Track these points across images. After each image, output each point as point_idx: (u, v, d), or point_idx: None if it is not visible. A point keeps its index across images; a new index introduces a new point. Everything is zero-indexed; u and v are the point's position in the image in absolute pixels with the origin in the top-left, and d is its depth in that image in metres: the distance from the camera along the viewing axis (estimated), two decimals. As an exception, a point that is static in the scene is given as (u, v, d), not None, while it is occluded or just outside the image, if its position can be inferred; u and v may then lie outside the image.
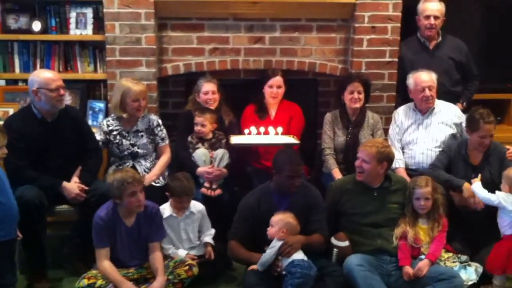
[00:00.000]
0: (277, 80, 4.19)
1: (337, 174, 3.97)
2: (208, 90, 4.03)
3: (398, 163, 4.02)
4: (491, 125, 3.70)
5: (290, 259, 3.24)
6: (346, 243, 3.45)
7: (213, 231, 3.63)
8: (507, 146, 3.87)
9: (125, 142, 3.87)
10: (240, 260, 3.50)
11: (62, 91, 3.55)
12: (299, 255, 3.26)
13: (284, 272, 3.24)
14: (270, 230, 3.28)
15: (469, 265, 3.47)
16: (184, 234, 3.55)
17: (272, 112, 4.24)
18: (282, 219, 3.28)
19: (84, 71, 4.45)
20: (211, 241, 3.59)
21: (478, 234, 3.65)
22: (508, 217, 3.44)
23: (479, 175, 3.62)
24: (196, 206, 3.60)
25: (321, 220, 3.48)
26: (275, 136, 3.86)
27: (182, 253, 3.50)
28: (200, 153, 3.92)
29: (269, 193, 3.49)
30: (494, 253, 3.45)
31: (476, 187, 3.54)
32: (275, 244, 3.25)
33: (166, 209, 3.55)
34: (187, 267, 3.34)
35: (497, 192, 3.48)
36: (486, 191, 3.51)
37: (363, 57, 4.37)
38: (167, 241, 3.52)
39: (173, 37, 4.31)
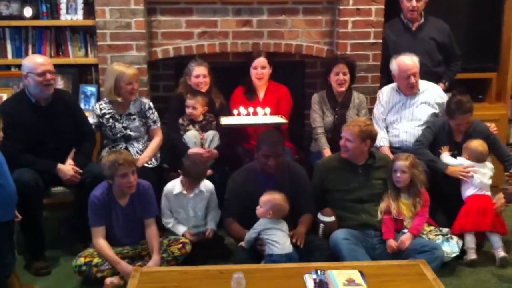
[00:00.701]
0: (261, 61, 4.25)
1: (327, 153, 4.07)
2: (199, 73, 4.09)
3: (383, 142, 4.13)
4: (466, 115, 3.85)
5: (269, 251, 3.25)
6: (332, 218, 3.56)
7: (219, 213, 3.71)
8: (488, 124, 4.02)
9: (118, 125, 3.95)
10: (234, 237, 3.59)
11: (49, 76, 3.59)
12: (283, 247, 3.26)
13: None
14: (258, 210, 3.34)
15: (451, 237, 3.61)
16: (192, 212, 3.66)
17: (261, 94, 4.32)
18: (270, 199, 3.32)
19: (75, 55, 4.49)
20: (215, 228, 3.67)
21: (456, 208, 3.79)
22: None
23: (447, 147, 3.93)
24: (206, 185, 3.70)
25: (309, 200, 3.58)
26: (264, 116, 3.94)
27: (181, 229, 3.60)
28: (191, 135, 4.01)
29: (254, 173, 3.57)
30: (459, 215, 3.72)
31: (444, 157, 3.88)
32: (260, 223, 3.32)
33: (176, 185, 3.65)
34: (180, 245, 3.45)
35: (458, 158, 3.86)
36: (453, 158, 3.87)
37: (348, 38, 4.43)
38: (167, 216, 3.63)
39: (162, 21, 4.35)
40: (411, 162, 3.55)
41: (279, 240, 3.27)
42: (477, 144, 3.83)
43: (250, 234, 3.33)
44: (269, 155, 3.45)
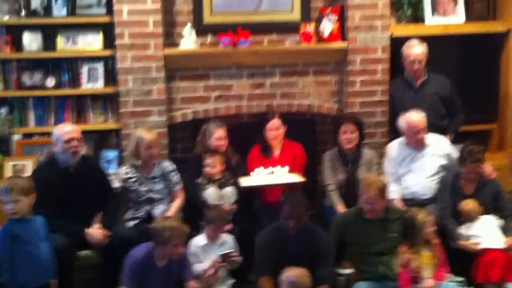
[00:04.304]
0: (275, 122, 4.41)
1: (341, 209, 4.19)
2: (220, 136, 4.25)
3: (395, 195, 4.23)
4: (477, 163, 4.01)
5: None
6: (351, 270, 3.67)
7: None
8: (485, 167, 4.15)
9: (142, 188, 4.07)
10: None
11: (74, 143, 3.79)
12: None
13: None
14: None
15: (467, 286, 3.73)
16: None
17: (276, 152, 4.47)
18: (287, 278, 3.32)
19: (96, 122, 4.64)
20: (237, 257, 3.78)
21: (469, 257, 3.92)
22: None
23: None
24: (227, 236, 3.84)
25: (327, 269, 3.61)
26: (282, 175, 4.11)
27: (205, 265, 3.68)
28: (211, 193, 4.12)
29: (280, 233, 3.66)
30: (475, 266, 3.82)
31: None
32: None
33: (200, 239, 3.78)
34: None
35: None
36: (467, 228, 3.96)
37: (357, 97, 4.64)
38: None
39: (181, 87, 4.54)
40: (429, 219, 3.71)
41: None
42: (463, 205, 3.99)
43: None
44: (290, 217, 3.57)
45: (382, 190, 3.72)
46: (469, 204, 3.98)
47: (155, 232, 3.42)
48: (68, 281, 3.64)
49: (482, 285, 3.79)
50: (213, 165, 4.18)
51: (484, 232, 3.92)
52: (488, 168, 4.17)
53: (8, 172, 4.34)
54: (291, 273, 3.35)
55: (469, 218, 3.97)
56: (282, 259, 3.51)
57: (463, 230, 3.98)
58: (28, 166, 4.38)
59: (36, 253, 3.36)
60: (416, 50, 4.58)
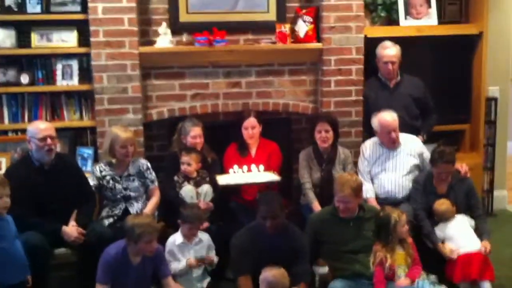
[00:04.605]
0: (251, 121, 4.46)
1: (317, 207, 4.24)
2: (196, 134, 4.28)
3: (369, 193, 4.31)
4: (448, 164, 4.08)
5: None
6: (326, 269, 3.70)
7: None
8: (458, 166, 4.23)
9: (118, 186, 4.07)
10: None
11: (49, 141, 3.76)
12: None
13: None
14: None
15: (439, 284, 3.75)
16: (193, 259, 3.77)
17: (253, 150, 4.52)
18: (266, 277, 3.37)
19: (71, 119, 4.63)
20: (214, 258, 3.84)
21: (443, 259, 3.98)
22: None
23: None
24: (203, 234, 3.87)
25: (305, 267, 3.64)
26: (258, 173, 4.14)
27: (182, 263, 3.72)
28: (187, 190, 4.15)
29: (257, 232, 3.68)
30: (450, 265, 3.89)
31: (438, 229, 4.05)
32: None
33: (177, 237, 3.80)
34: None
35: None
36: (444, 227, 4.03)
37: (332, 96, 4.69)
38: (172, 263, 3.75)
39: (156, 85, 4.55)
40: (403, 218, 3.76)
41: None
42: (437, 205, 4.05)
43: None
44: (266, 216, 3.59)
45: (356, 189, 3.75)
46: (443, 205, 4.04)
47: (126, 230, 3.43)
48: (43, 279, 3.61)
49: (455, 284, 3.86)
50: (189, 163, 4.20)
51: (459, 234, 3.97)
52: (463, 167, 4.24)
53: (-19, 169, 4.31)
54: (270, 273, 3.39)
55: (444, 218, 4.04)
56: (260, 258, 3.53)
57: (438, 231, 4.04)
58: (2, 163, 4.36)
59: (12, 251, 3.34)
60: (389, 51, 4.66)
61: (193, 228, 3.79)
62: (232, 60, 4.59)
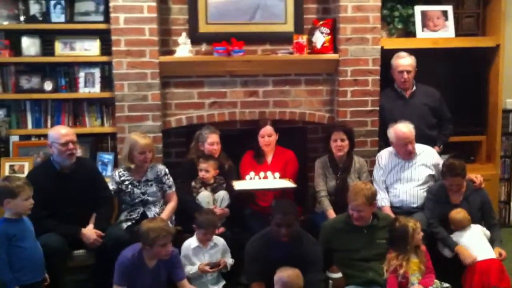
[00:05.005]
0: (267, 129, 4.53)
1: (331, 214, 4.28)
2: (213, 141, 4.36)
3: (384, 202, 4.34)
4: (457, 178, 4.08)
5: None
6: (339, 275, 3.72)
7: (233, 260, 3.92)
8: (473, 176, 4.23)
9: (136, 191, 4.15)
10: None
11: (71, 146, 3.84)
12: None
13: None
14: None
15: None
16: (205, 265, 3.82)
17: (269, 158, 4.58)
18: (280, 277, 3.42)
19: (92, 125, 4.74)
20: (230, 261, 3.89)
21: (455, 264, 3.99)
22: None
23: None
24: (218, 239, 3.93)
25: (318, 276, 3.64)
26: (274, 180, 4.19)
27: (195, 267, 3.77)
28: (204, 196, 4.23)
29: (270, 239, 3.70)
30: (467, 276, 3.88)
31: (454, 235, 4.05)
32: None
33: (192, 241, 3.86)
34: None
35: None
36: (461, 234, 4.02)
37: (348, 106, 4.74)
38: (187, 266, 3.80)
39: (175, 93, 4.64)
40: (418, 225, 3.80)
41: None
42: (454, 214, 4.06)
43: None
44: (281, 224, 3.61)
45: (370, 198, 3.78)
46: (460, 213, 4.05)
47: (141, 234, 3.49)
48: (59, 281, 3.69)
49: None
50: (208, 170, 4.28)
51: (474, 243, 3.97)
52: (478, 178, 4.24)
53: (5, 172, 4.43)
54: (285, 273, 3.44)
55: (460, 226, 4.04)
56: (273, 265, 3.55)
57: (454, 239, 4.04)
58: (25, 167, 4.47)
59: (32, 251, 3.43)
60: (404, 61, 4.72)
61: (207, 234, 3.84)
62: (250, 70, 4.68)
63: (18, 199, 3.39)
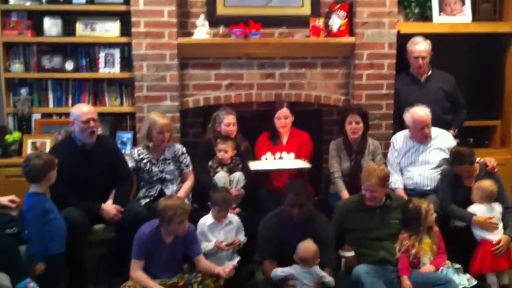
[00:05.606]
0: (283, 111, 4.58)
1: (345, 195, 4.34)
2: (229, 122, 4.42)
3: (397, 184, 4.38)
4: (464, 165, 4.10)
5: None
6: (352, 253, 3.80)
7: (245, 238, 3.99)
8: (487, 159, 4.26)
9: (154, 169, 4.25)
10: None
11: (92, 124, 3.92)
12: None
13: None
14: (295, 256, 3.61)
15: (463, 273, 3.80)
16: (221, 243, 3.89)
17: (284, 139, 4.63)
18: (300, 249, 3.56)
19: (112, 105, 4.85)
20: (242, 238, 3.95)
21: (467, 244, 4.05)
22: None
23: None
24: (233, 217, 4.00)
25: (330, 254, 3.72)
26: (289, 161, 4.26)
27: (212, 244, 3.84)
28: (221, 176, 4.31)
29: (283, 219, 3.77)
30: (473, 256, 3.95)
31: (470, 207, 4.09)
32: (293, 267, 3.59)
33: (208, 219, 3.94)
34: (214, 278, 3.66)
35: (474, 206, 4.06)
36: (477, 207, 4.06)
37: (363, 90, 4.79)
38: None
39: (193, 74, 4.72)
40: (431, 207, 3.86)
41: None
42: (488, 184, 4.06)
43: (279, 272, 3.60)
44: (294, 204, 3.67)
45: (383, 178, 3.83)
46: (493, 186, 4.05)
47: (158, 212, 3.56)
48: (80, 254, 3.81)
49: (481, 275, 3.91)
50: (226, 150, 4.36)
51: (495, 219, 4.02)
52: (491, 161, 4.26)
53: (27, 149, 4.56)
54: (304, 246, 3.57)
55: (487, 198, 4.05)
56: (285, 244, 3.64)
57: (471, 211, 4.06)
58: (47, 144, 4.60)
59: (60, 222, 3.56)
60: (420, 46, 4.74)
61: (222, 211, 3.92)
62: (267, 52, 4.73)
63: (55, 171, 3.50)
